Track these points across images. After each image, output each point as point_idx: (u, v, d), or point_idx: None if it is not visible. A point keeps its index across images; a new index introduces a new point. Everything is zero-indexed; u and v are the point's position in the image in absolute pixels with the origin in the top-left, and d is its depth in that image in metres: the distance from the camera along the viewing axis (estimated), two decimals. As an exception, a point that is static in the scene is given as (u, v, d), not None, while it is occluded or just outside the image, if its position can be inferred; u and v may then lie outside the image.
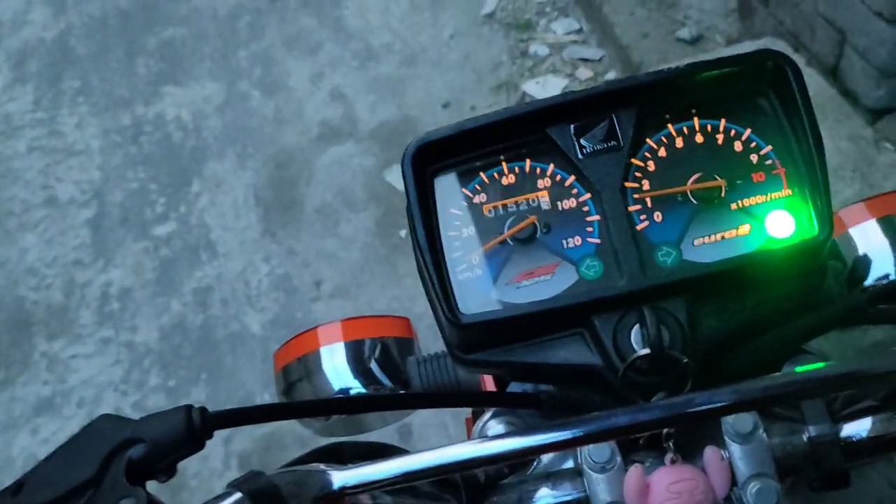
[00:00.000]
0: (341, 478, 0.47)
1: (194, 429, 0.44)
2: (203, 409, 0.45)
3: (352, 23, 3.05)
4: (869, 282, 0.63)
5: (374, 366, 0.78)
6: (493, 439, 0.47)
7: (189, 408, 0.45)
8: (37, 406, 2.19)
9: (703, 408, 0.44)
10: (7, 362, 2.31)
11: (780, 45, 2.00)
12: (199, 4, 3.25)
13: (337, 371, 0.78)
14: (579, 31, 2.77)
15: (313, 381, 0.79)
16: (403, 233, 2.30)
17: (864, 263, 0.60)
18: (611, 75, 2.58)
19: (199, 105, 2.87)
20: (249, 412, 0.47)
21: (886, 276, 0.64)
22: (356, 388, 0.77)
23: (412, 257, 0.59)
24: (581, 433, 0.44)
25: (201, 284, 2.37)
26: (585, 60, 2.68)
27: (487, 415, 0.61)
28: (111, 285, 2.42)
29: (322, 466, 0.47)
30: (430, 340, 0.74)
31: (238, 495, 0.43)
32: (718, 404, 0.44)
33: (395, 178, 2.49)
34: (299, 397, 0.80)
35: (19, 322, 2.38)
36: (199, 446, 0.45)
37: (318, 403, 0.63)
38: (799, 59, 1.96)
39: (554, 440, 0.45)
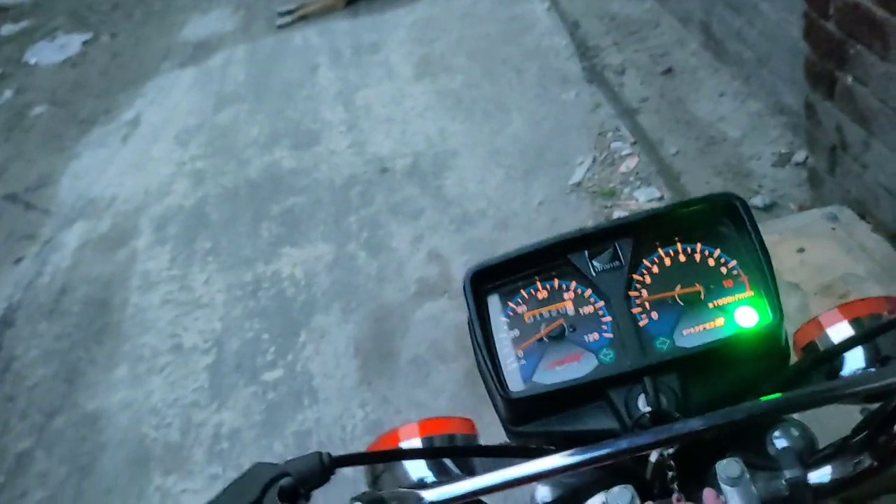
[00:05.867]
0: (432, 495, 0.63)
1: (324, 466, 0.61)
2: (329, 454, 0.62)
3: (451, 191, 3.36)
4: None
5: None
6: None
7: (320, 453, 0.62)
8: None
9: (684, 432, 0.59)
10: (124, 496, 2.51)
11: (847, 213, 2.13)
12: (319, 176, 3.67)
13: (414, 462, 0.94)
14: (660, 198, 2.97)
15: (395, 472, 0.94)
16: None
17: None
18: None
19: (311, 264, 3.19)
20: (365, 456, 0.64)
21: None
22: (429, 476, 0.91)
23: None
24: (592, 456, 0.60)
25: (302, 427, 2.55)
26: (667, 226, 2.85)
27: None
28: (222, 426, 2.64)
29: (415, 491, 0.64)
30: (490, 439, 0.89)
31: None
32: (698, 428, 0.59)
33: (485, 331, 2.67)
34: (384, 487, 0.95)
35: (139, 459, 2.60)
36: (327, 479, 0.62)
37: (418, 451, 0.81)
38: (865, 226, 2.08)
39: (573, 462, 0.60)
